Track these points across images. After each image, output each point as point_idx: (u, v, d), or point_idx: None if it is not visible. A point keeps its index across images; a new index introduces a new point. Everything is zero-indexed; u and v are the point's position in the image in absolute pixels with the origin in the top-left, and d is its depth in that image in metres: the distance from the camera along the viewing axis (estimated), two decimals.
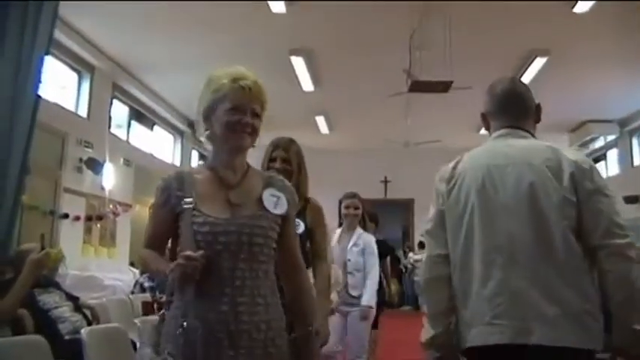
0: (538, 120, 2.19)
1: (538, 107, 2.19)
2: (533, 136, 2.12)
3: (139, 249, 2.02)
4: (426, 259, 2.09)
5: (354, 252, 4.58)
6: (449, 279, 1.99)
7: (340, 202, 4.80)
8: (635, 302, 1.81)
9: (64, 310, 4.05)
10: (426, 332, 2.02)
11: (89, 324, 4.18)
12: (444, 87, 7.00)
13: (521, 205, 1.90)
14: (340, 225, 4.92)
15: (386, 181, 13.77)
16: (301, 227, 2.70)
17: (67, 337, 3.84)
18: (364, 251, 4.59)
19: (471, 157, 2.07)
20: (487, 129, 2.20)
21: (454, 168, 2.07)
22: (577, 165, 1.91)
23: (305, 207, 2.84)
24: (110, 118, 8.71)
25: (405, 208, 14.00)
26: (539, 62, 7.88)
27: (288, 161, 2.92)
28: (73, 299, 4.30)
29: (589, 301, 1.84)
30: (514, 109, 2.13)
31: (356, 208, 4.68)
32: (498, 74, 7.79)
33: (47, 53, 4.90)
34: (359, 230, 4.71)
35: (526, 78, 8.43)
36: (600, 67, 8.19)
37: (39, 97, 5.07)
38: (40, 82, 4.98)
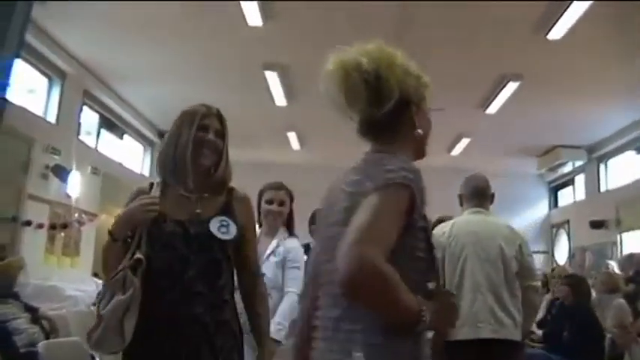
0: (492, 202, 3.67)
1: (493, 195, 3.68)
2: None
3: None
4: None
5: (270, 264, 3.38)
6: None
7: (260, 195, 3.58)
8: (533, 315, 3.75)
9: (21, 322, 3.96)
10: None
11: (47, 336, 4.08)
12: None
13: (496, 259, 3.36)
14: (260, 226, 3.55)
15: None
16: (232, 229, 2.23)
17: (22, 350, 3.74)
18: (284, 263, 3.41)
19: (459, 224, 3.55)
20: (461, 205, 3.71)
21: (451, 228, 3.51)
22: (522, 239, 3.51)
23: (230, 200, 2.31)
24: (80, 124, 8.56)
25: None
26: (511, 87, 7.98)
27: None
28: (32, 310, 4.20)
29: (519, 314, 3.36)
30: (481, 198, 3.62)
31: (281, 204, 3.54)
32: (471, 97, 7.95)
33: (18, 56, 4.79)
34: (282, 234, 3.54)
35: (498, 102, 8.55)
36: (572, 94, 8.32)
37: (5, 100, 4.96)
38: (7, 85, 4.86)
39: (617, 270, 8.76)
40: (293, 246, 3.49)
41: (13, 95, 6.76)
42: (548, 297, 5.83)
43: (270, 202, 3.52)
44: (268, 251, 3.42)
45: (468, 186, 3.65)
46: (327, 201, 1.73)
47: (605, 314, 5.79)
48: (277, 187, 3.59)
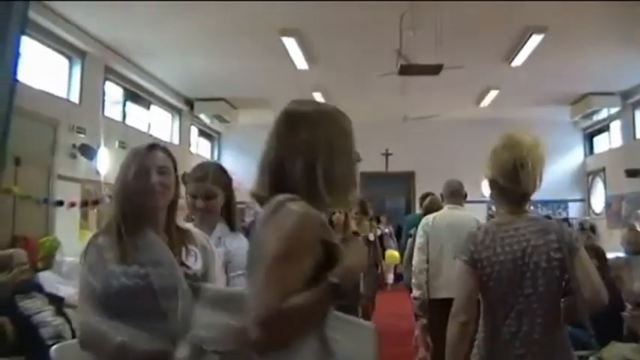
0: (465, 199, 4.93)
1: (466, 194, 4.95)
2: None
3: None
4: (417, 261, 4.61)
5: None
6: (427, 269, 4.54)
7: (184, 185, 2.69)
8: None
9: (46, 315, 4.12)
10: (415, 291, 4.57)
11: (71, 327, 4.24)
12: (434, 70, 6.88)
13: None
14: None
15: (387, 154, 13.67)
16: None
17: (49, 342, 3.91)
18: (226, 267, 2.59)
19: (440, 216, 4.77)
20: (442, 200, 5.10)
21: (433, 219, 4.73)
22: None
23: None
24: (104, 101, 8.67)
25: (406, 180, 13.96)
26: (535, 39, 7.70)
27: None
28: (56, 301, 4.36)
29: None
30: (456, 197, 4.83)
31: (208, 198, 2.73)
32: (496, 50, 7.73)
33: (23, 33, 4.82)
34: (220, 231, 2.74)
35: (522, 55, 8.29)
36: (601, 42, 8.00)
37: (16, 81, 5.03)
38: (17, 65, 4.92)
39: None
40: (237, 246, 2.63)
41: (34, 80, 6.90)
42: None
43: (194, 196, 2.74)
44: None
45: (447, 188, 4.89)
46: None
47: (633, 274, 5.71)
48: (200, 178, 2.75)
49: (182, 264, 2.12)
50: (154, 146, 2.18)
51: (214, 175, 2.75)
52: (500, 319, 2.23)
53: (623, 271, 5.73)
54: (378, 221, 10.40)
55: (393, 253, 9.11)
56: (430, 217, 4.82)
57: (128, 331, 1.96)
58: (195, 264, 2.16)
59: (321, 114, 1.66)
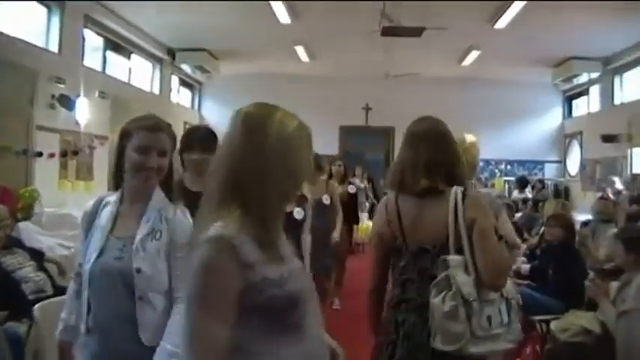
0: None
1: None
2: None
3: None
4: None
5: (149, 254, 2.07)
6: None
7: (124, 137, 2.14)
8: None
9: (28, 271, 4.19)
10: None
11: (53, 282, 4.34)
12: (416, 32, 6.89)
13: None
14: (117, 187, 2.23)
15: (367, 109, 13.70)
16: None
17: (31, 297, 4.00)
18: (169, 250, 2.10)
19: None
20: None
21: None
22: None
23: None
24: (83, 51, 8.54)
25: (386, 135, 14.02)
26: (519, 3, 7.70)
27: None
28: (38, 257, 4.43)
29: None
30: None
31: (162, 154, 2.14)
32: (476, 14, 7.71)
33: None
34: (159, 201, 2.15)
35: (506, 18, 8.30)
36: (584, 7, 8.03)
37: None
38: None
39: (620, 186, 8.83)
40: (182, 220, 2.14)
41: (12, 29, 6.77)
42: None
43: (143, 150, 2.08)
44: (143, 232, 2.08)
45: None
46: None
47: (598, 243, 5.92)
48: (155, 128, 2.13)
49: None
50: None
51: (168, 129, 2.20)
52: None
53: (588, 239, 5.95)
54: (353, 174, 9.83)
55: (366, 227, 8.52)
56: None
57: None
58: None
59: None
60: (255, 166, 1.50)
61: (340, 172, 7.03)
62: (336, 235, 5.77)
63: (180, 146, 2.94)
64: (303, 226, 4.47)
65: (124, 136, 2.14)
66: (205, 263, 1.44)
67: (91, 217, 2.20)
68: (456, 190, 2.25)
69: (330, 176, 6.58)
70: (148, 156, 2.10)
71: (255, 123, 1.55)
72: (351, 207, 6.92)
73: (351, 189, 7.17)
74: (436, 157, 2.32)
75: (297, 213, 4.41)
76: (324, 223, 5.48)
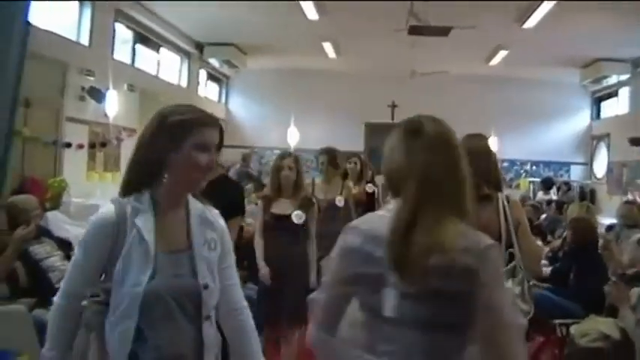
0: None
1: None
2: None
3: None
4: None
5: (208, 259, 1.92)
6: None
7: (170, 130, 1.84)
8: None
9: (55, 260, 4.29)
10: None
11: None
12: (443, 31, 6.87)
13: None
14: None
15: (393, 106, 13.66)
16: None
17: (57, 286, 4.10)
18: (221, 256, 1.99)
19: None
20: None
21: None
22: None
23: None
24: (113, 44, 8.68)
25: None
26: (548, 3, 7.63)
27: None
28: (64, 247, 4.54)
29: None
30: None
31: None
32: (504, 14, 7.63)
33: None
34: (196, 206, 1.94)
35: (535, 18, 8.23)
36: (614, 9, 7.92)
37: (29, 24, 5.06)
38: (28, 7, 4.93)
39: None
40: (223, 227, 2.00)
41: (44, 23, 6.91)
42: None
43: (206, 148, 1.85)
44: (200, 243, 1.88)
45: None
46: None
47: (622, 248, 5.86)
48: (215, 123, 1.92)
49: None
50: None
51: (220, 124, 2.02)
52: None
53: (612, 244, 5.89)
54: (379, 172, 9.74)
55: None
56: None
57: None
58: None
59: None
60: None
61: (356, 171, 6.45)
62: None
63: None
64: (303, 231, 4.17)
65: (180, 128, 1.80)
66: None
67: (118, 228, 1.78)
68: (502, 197, 2.82)
69: (346, 175, 6.11)
70: (211, 154, 1.84)
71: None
72: (368, 208, 6.09)
73: (369, 188, 6.60)
74: (485, 168, 2.75)
75: (296, 216, 4.11)
76: (333, 228, 5.24)
